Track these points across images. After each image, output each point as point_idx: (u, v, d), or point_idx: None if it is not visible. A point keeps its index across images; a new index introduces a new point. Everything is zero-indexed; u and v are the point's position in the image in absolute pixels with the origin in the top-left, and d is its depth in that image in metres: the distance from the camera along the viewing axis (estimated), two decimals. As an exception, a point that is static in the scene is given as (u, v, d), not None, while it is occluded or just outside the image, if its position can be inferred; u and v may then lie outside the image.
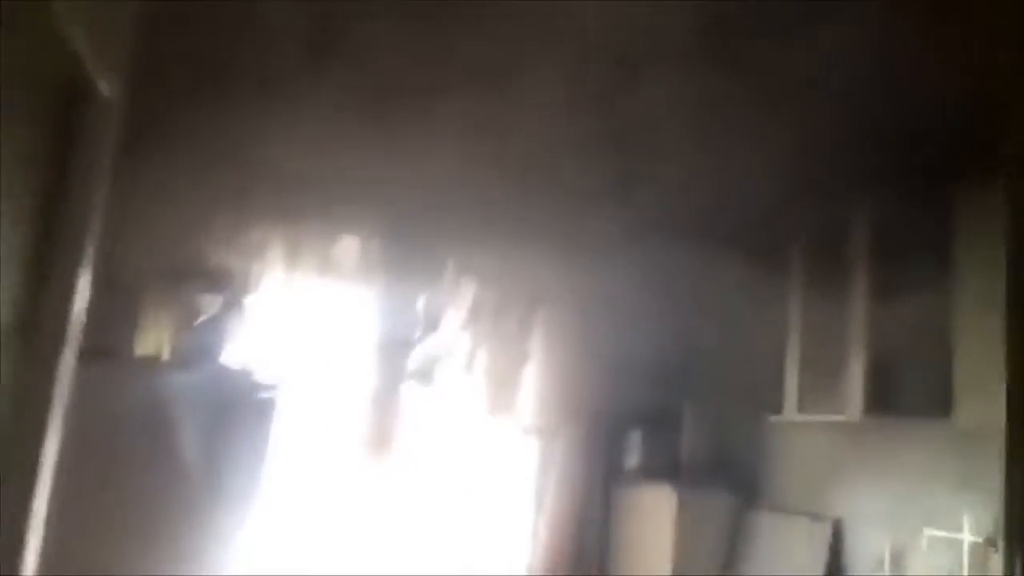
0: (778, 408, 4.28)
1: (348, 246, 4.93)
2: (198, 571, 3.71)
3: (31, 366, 2.08)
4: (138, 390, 3.86)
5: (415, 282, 5.05)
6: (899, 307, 3.78)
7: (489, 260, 5.02)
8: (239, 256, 4.72)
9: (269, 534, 4.51)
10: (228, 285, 4.67)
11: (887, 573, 3.91)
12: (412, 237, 4.91)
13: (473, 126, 3.75)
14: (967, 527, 3.54)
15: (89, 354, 3.50)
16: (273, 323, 4.91)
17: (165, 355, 4.39)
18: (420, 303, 5.10)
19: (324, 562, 4.74)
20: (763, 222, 4.29)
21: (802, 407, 4.10)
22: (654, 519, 4.86)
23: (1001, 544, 3.30)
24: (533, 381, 5.22)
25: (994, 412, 3.36)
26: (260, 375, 4.23)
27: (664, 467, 5.03)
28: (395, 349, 5.00)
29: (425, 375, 5.05)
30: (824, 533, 4.24)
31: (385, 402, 4.95)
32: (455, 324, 5.12)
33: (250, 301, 4.77)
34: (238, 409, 4.01)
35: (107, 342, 3.82)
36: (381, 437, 4.92)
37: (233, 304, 4.67)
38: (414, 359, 5.06)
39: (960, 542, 3.54)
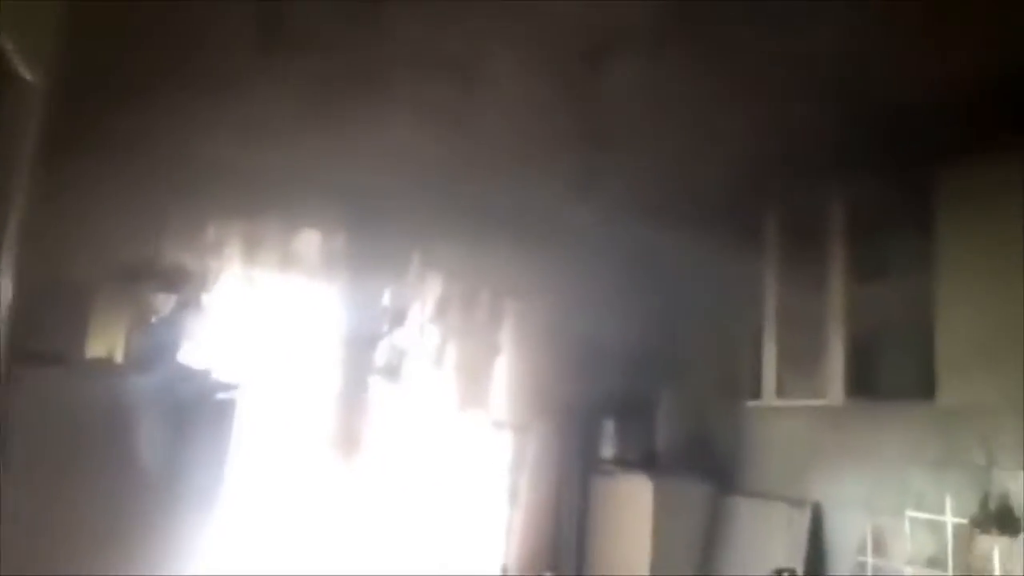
0: (756, 393, 4.21)
1: (309, 240, 4.76)
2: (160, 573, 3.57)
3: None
4: (91, 394, 3.72)
5: (380, 276, 4.90)
6: (879, 287, 3.72)
7: (456, 252, 4.89)
8: (195, 253, 4.53)
9: (233, 537, 4.37)
10: (184, 283, 4.47)
11: (869, 557, 3.87)
12: (376, 230, 4.76)
13: (436, 114, 3.61)
14: (950, 509, 3.50)
15: (37, 358, 3.32)
16: (233, 321, 4.73)
17: (119, 357, 4.18)
18: (386, 297, 4.94)
19: (294, 564, 4.59)
20: (736, 203, 4.22)
21: (781, 392, 4.03)
22: (631, 509, 4.79)
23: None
24: (504, 374, 5.10)
25: (977, 392, 3.33)
26: (219, 375, 4.07)
27: (640, 456, 4.97)
28: (361, 345, 4.85)
29: (393, 371, 4.90)
30: (804, 518, 4.20)
31: (352, 400, 4.80)
32: (422, 318, 4.97)
33: (208, 299, 4.58)
34: (196, 411, 3.89)
35: (56, 345, 3.66)
36: (349, 435, 4.77)
37: (189, 303, 4.48)
38: (381, 355, 4.90)
39: (943, 524, 3.50)
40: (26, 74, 2.09)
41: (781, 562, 4.20)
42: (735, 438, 4.77)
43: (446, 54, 3.13)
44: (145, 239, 4.36)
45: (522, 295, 5.08)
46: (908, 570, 3.62)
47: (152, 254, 4.35)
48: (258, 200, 4.49)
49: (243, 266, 4.70)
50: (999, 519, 3.31)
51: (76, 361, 3.93)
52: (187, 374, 4.07)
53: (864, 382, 3.72)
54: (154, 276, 4.40)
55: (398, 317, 4.97)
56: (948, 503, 3.51)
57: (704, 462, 4.83)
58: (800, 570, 4.11)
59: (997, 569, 3.25)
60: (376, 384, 4.88)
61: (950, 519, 3.48)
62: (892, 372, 3.70)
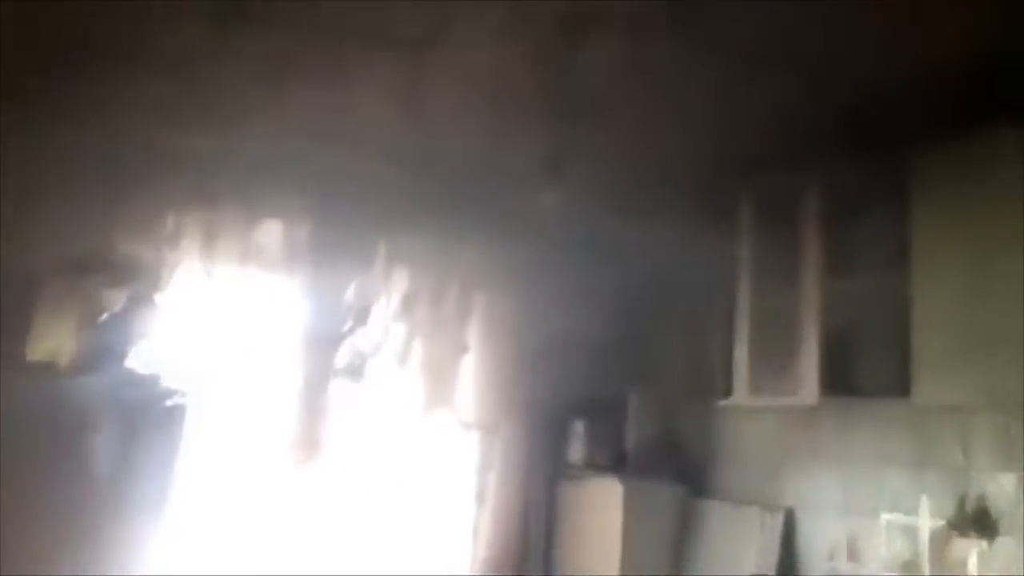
0: (728, 391, 4.09)
1: (269, 232, 4.58)
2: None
3: None
4: (34, 397, 3.55)
5: (343, 270, 4.73)
6: (854, 281, 3.62)
7: (422, 245, 4.74)
8: (149, 245, 4.35)
9: (186, 542, 4.20)
10: (136, 277, 4.30)
11: (843, 562, 3.77)
12: (339, 221, 4.59)
13: (400, 95, 3.46)
14: (927, 510, 3.40)
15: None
16: (188, 318, 4.55)
17: (64, 358, 4.00)
18: (349, 292, 4.77)
19: (252, 568, 4.43)
20: (707, 194, 4.10)
21: (753, 390, 3.92)
22: (600, 512, 4.68)
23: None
24: (471, 373, 4.96)
25: (954, 389, 3.22)
26: (171, 378, 3.91)
27: (609, 458, 4.85)
28: (323, 343, 4.68)
29: (356, 371, 4.74)
30: (776, 522, 4.11)
31: (313, 400, 4.63)
32: (387, 314, 4.81)
33: (161, 295, 4.40)
34: (147, 415, 3.73)
35: (-6, 343, 3.50)
36: (310, 438, 4.60)
37: (141, 299, 4.30)
38: (343, 353, 4.74)
39: (919, 527, 3.40)
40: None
41: (753, 567, 4.10)
42: (707, 439, 4.66)
43: (410, 30, 2.99)
44: (94, 229, 4.18)
45: (490, 290, 4.94)
46: (883, 574, 3.51)
47: (102, 246, 4.17)
48: (216, 188, 4.32)
49: (200, 259, 4.51)
50: (977, 521, 3.22)
51: (18, 362, 3.77)
52: (137, 377, 3.92)
53: (839, 379, 3.61)
54: (104, 269, 4.22)
55: (362, 314, 4.81)
56: (925, 504, 3.41)
57: (675, 464, 4.72)
58: (773, 575, 4.01)
59: (974, 572, 3.15)
60: (338, 384, 4.71)
61: (927, 521, 3.38)
62: (867, 368, 3.60)
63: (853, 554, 3.74)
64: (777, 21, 2.75)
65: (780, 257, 3.82)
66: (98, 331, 4.12)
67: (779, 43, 2.89)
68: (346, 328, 4.79)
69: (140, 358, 4.15)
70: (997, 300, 3.08)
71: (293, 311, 4.73)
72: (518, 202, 4.25)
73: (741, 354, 3.99)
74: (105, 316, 4.15)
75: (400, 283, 4.81)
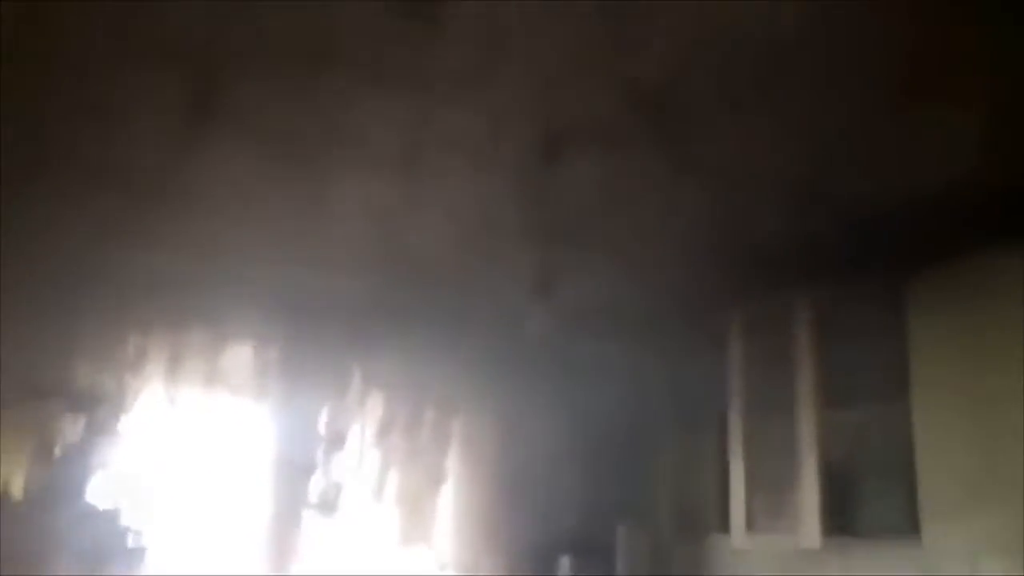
0: (724, 526, 3.83)
1: (239, 353, 4.38)
2: None
3: None
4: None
5: (316, 394, 4.51)
6: (852, 412, 3.44)
7: (398, 368, 4.54)
8: (111, 371, 4.13)
9: None
10: (96, 405, 4.07)
11: None
12: (312, 343, 4.39)
13: (377, 215, 3.34)
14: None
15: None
16: (151, 447, 4.30)
17: (17, 492, 3.74)
18: (322, 418, 4.54)
19: None
20: (696, 319, 3.96)
21: (751, 525, 3.67)
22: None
23: None
24: (449, 505, 4.67)
25: (967, 529, 3.00)
26: (132, 514, 3.65)
27: (598, 599, 4.53)
28: (294, 473, 4.42)
29: (329, 504, 4.45)
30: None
31: (284, 536, 4.33)
32: (362, 441, 4.57)
33: (123, 423, 4.16)
34: (105, 558, 3.45)
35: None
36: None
37: (102, 427, 4.06)
38: (316, 484, 4.46)
39: None
40: None
41: None
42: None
43: (389, 145, 2.87)
44: (54, 354, 3.97)
45: (470, 415, 4.71)
46: None
47: (61, 371, 3.96)
48: (183, 310, 4.13)
49: (165, 384, 4.30)
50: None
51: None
52: (95, 516, 3.65)
53: (841, 517, 3.39)
54: (63, 396, 4.00)
55: (335, 441, 4.56)
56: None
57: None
58: None
59: None
60: (311, 518, 4.42)
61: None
62: (871, 506, 3.38)
63: None
64: (764, 143, 2.67)
65: (774, 386, 3.65)
66: (55, 464, 3.88)
67: (766, 165, 2.80)
68: (319, 456, 4.54)
69: (99, 492, 3.89)
70: (1004, 435, 2.92)
71: (263, 438, 4.49)
72: (501, 325, 4.09)
73: (737, 488, 3.76)
74: (63, 447, 3.91)
75: (375, 408, 4.59)
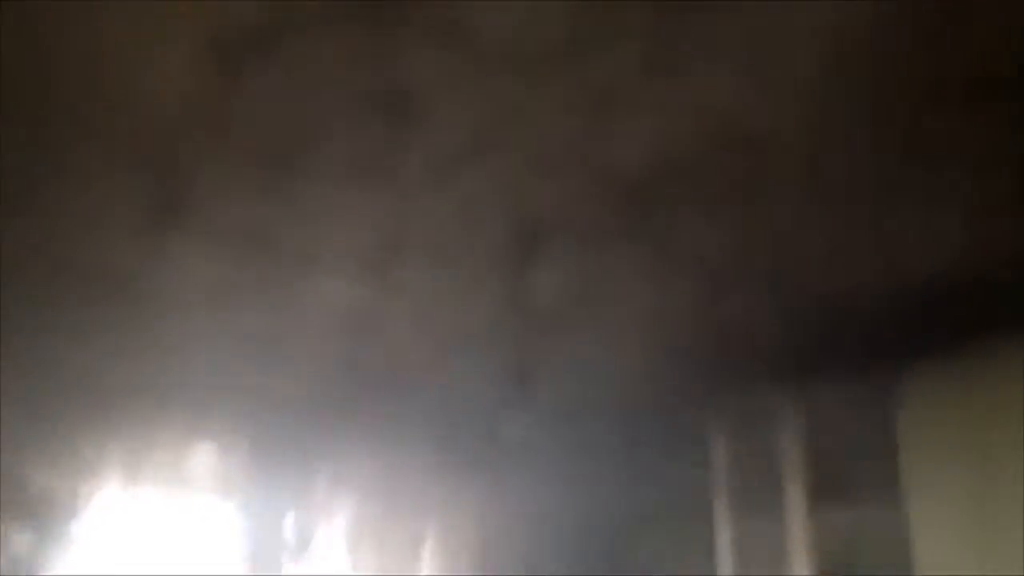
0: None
1: (201, 455, 4.19)
2: None
3: None
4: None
5: (282, 496, 4.31)
6: (846, 512, 3.29)
7: (369, 471, 4.36)
8: (64, 475, 3.92)
9: None
10: (47, 512, 3.85)
11: None
12: (279, 446, 4.22)
13: (348, 314, 3.22)
14: None
15: None
16: (109, 553, 4.07)
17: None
18: (288, 522, 4.33)
19: None
20: (678, 415, 3.84)
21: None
22: None
23: None
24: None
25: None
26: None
27: None
28: (258, 579, 4.19)
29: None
30: None
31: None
32: (330, 548, 4.36)
33: (76, 530, 3.94)
34: None
35: None
36: None
37: (53, 537, 3.83)
38: (281, 593, 4.24)
39: None
40: None
41: None
42: None
43: (361, 242, 2.77)
44: (5, 458, 3.76)
45: (446, 520, 4.51)
46: None
47: (6, 478, 3.74)
48: (142, 410, 3.95)
49: (122, 488, 4.09)
50: None
51: None
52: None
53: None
54: (10, 505, 3.78)
55: (302, 546, 4.35)
56: None
57: None
58: None
59: None
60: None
61: None
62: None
63: None
64: (745, 234, 2.61)
65: (761, 485, 3.51)
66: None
67: (748, 257, 2.73)
68: (285, 562, 4.32)
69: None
70: (1006, 534, 2.79)
71: (227, 543, 4.27)
72: (475, 420, 3.94)
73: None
74: (6, 560, 3.68)
75: (344, 512, 4.39)
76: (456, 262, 2.86)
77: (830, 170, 2.30)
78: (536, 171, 2.40)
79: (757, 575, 3.51)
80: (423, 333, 3.33)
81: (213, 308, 3.27)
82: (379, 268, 2.90)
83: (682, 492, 4.01)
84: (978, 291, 2.83)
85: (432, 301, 3.11)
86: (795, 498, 3.40)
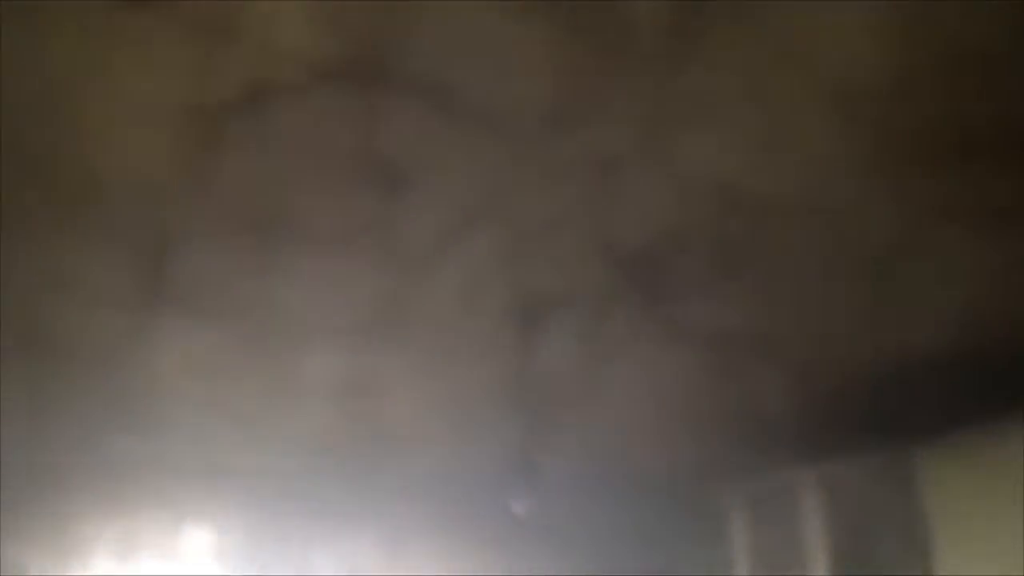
0: None
1: (197, 541, 4.03)
2: None
3: None
4: None
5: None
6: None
7: (371, 551, 4.18)
8: (56, 557, 3.78)
9: None
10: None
11: None
12: (276, 526, 4.06)
13: (344, 391, 3.11)
14: None
15: None
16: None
17: None
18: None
19: None
20: (693, 492, 3.68)
21: None
22: None
23: None
24: None
25: None
26: None
27: None
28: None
29: None
30: None
31: None
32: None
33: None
34: None
35: None
36: None
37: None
38: None
39: None
40: None
41: None
42: None
43: (355, 318, 2.67)
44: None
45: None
46: None
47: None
48: (135, 491, 3.81)
49: (116, 569, 3.93)
50: None
51: None
52: None
53: None
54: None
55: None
56: None
57: None
58: None
59: None
60: None
61: None
62: None
63: None
64: (760, 309, 2.49)
65: (783, 561, 3.33)
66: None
67: (763, 332, 2.61)
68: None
69: None
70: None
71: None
72: (481, 504, 3.78)
73: None
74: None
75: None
76: (456, 335, 2.75)
77: (843, 237, 2.20)
78: (536, 241, 2.32)
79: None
80: (423, 408, 3.21)
81: (202, 383, 3.16)
82: (376, 342, 2.80)
83: (702, 570, 3.82)
84: (996, 360, 2.71)
85: (432, 375, 2.99)
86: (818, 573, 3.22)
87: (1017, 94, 1.58)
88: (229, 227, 2.25)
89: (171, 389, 3.19)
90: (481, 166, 1.99)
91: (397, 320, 2.70)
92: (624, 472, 3.61)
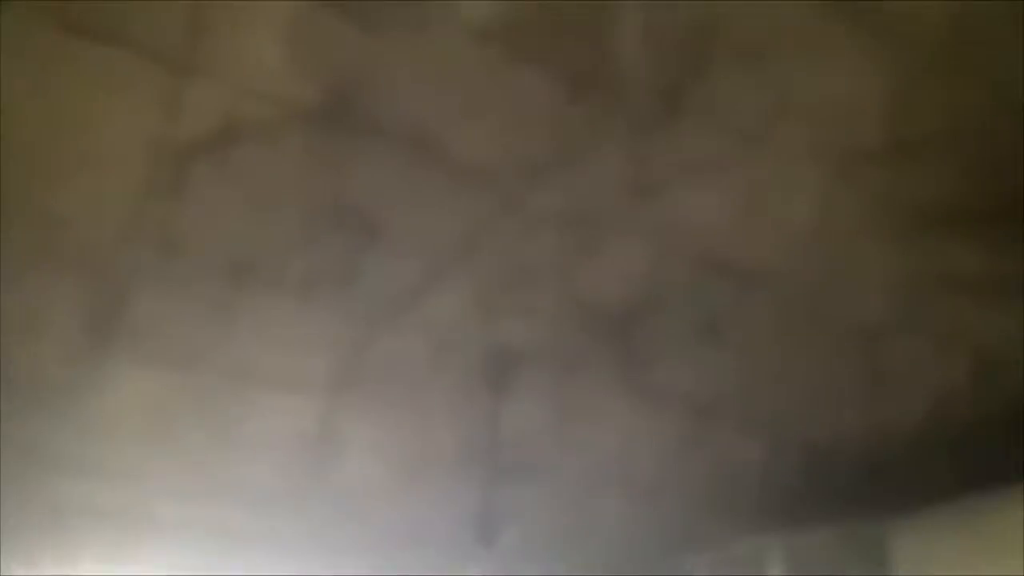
0: None
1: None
2: None
3: None
4: None
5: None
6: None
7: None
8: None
9: None
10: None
11: None
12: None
13: (300, 441, 2.98)
14: None
15: None
16: None
17: None
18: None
19: None
20: (659, 558, 3.57)
21: None
22: None
23: None
24: None
25: None
26: None
27: None
28: None
29: None
30: None
31: None
32: None
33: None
34: None
35: None
36: None
37: None
38: None
39: None
40: None
41: None
42: None
43: (316, 369, 2.57)
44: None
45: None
46: None
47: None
48: (77, 536, 3.64)
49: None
50: None
51: None
52: None
53: None
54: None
55: None
56: None
57: None
58: None
59: None
60: None
61: None
62: None
63: None
64: (732, 375, 2.43)
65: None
66: None
67: (735, 399, 2.55)
68: None
69: None
70: None
71: None
72: (440, 570, 3.65)
73: None
74: None
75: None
76: (421, 390, 2.65)
77: (821, 308, 2.16)
78: (509, 296, 2.25)
79: None
80: (383, 466, 3.09)
81: (156, 430, 3.03)
82: (337, 395, 2.69)
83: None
84: (970, 436, 2.68)
85: (394, 432, 2.88)
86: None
87: (1012, 168, 1.54)
88: (190, 270, 2.16)
89: (123, 434, 3.06)
90: (456, 217, 1.92)
91: (360, 373, 2.61)
92: (588, 537, 3.50)
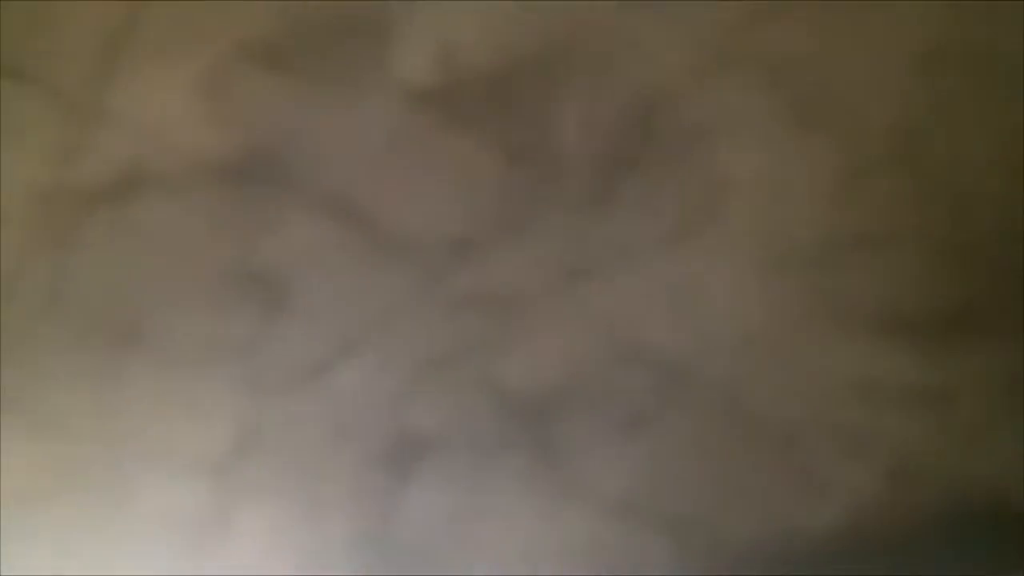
0: None
1: None
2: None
3: None
4: None
5: None
6: None
7: None
8: None
9: None
10: None
11: None
12: None
13: (186, 525, 2.76)
14: None
15: None
16: None
17: None
18: None
19: None
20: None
21: None
22: None
23: None
24: None
25: None
26: None
27: None
28: None
29: None
30: None
31: None
32: None
33: None
34: None
35: None
36: None
37: None
38: None
39: None
40: None
41: None
42: None
43: (204, 447, 2.40)
44: None
45: None
46: None
47: None
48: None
49: None
50: None
51: None
52: None
53: None
54: None
55: None
56: None
57: None
58: None
59: None
60: None
61: None
62: None
63: None
64: (649, 474, 2.38)
65: None
66: None
67: (652, 494, 2.49)
68: None
69: None
70: None
71: None
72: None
73: None
74: None
75: None
76: (318, 476, 2.51)
77: (741, 405, 2.13)
78: (420, 378, 2.15)
79: None
80: (274, 558, 2.91)
81: (27, 508, 2.79)
82: (228, 478, 2.52)
83: None
84: (881, 546, 2.68)
85: (288, 520, 2.72)
86: None
87: (950, 277, 1.55)
88: (76, 332, 2.00)
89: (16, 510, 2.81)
90: (374, 291, 1.83)
91: (253, 453, 2.46)
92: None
